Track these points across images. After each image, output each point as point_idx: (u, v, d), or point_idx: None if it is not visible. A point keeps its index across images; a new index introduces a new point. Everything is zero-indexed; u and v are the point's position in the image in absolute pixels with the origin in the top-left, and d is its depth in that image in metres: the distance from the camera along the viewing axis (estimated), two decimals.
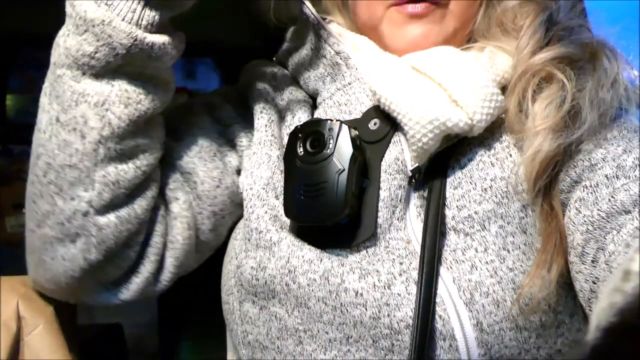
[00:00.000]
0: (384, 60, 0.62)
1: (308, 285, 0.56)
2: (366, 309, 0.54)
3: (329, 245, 0.58)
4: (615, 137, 0.57)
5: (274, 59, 0.72)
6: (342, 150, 0.57)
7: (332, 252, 0.57)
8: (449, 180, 0.59)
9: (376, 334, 0.54)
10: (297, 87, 0.68)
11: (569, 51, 0.58)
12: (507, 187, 0.58)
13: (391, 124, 0.60)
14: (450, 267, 0.55)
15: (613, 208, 0.51)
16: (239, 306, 0.61)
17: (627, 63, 0.59)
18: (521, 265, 0.55)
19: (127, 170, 0.56)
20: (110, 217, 0.56)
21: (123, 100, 0.55)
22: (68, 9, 0.54)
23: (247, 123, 0.66)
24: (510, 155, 0.59)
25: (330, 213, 0.56)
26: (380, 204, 0.58)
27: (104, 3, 0.52)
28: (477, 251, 0.56)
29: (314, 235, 0.58)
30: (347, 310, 0.55)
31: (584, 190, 0.55)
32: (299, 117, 0.65)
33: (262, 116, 0.65)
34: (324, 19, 0.67)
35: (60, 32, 0.55)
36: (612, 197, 0.52)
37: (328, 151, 0.57)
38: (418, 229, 0.57)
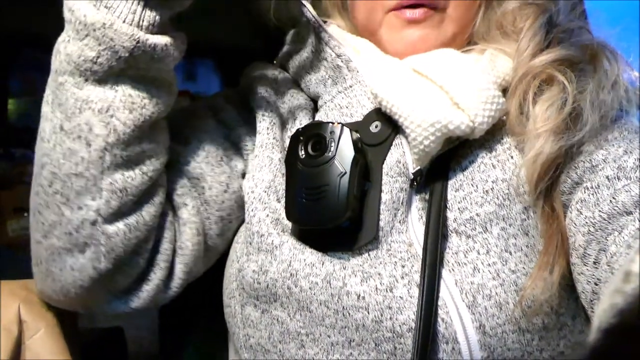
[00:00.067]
0: (385, 63, 0.62)
1: (310, 288, 0.56)
2: (368, 312, 0.54)
3: (331, 249, 0.58)
4: (616, 138, 0.57)
5: (275, 61, 0.71)
6: (344, 153, 0.57)
7: (334, 255, 0.57)
8: (450, 182, 0.59)
9: (378, 337, 0.54)
10: (298, 90, 0.68)
11: (569, 53, 0.58)
12: (508, 189, 0.58)
13: (392, 127, 0.59)
14: (453, 270, 0.55)
15: (614, 209, 0.51)
16: (241, 310, 0.61)
17: (627, 64, 0.59)
18: (523, 268, 0.55)
19: (134, 177, 0.56)
20: (119, 225, 0.56)
21: (127, 105, 0.54)
22: (66, 14, 0.53)
23: (250, 126, 0.66)
24: (512, 157, 0.59)
25: (331, 216, 0.56)
26: (382, 206, 0.58)
27: (104, 6, 0.52)
28: (479, 253, 0.56)
29: (315, 239, 0.58)
30: (349, 314, 0.55)
31: (585, 192, 0.55)
32: (300, 120, 0.65)
33: (264, 119, 0.65)
34: (324, 22, 0.66)
35: (60, 39, 0.54)
36: (613, 198, 0.52)
37: (329, 154, 0.57)
38: (420, 231, 0.57)
